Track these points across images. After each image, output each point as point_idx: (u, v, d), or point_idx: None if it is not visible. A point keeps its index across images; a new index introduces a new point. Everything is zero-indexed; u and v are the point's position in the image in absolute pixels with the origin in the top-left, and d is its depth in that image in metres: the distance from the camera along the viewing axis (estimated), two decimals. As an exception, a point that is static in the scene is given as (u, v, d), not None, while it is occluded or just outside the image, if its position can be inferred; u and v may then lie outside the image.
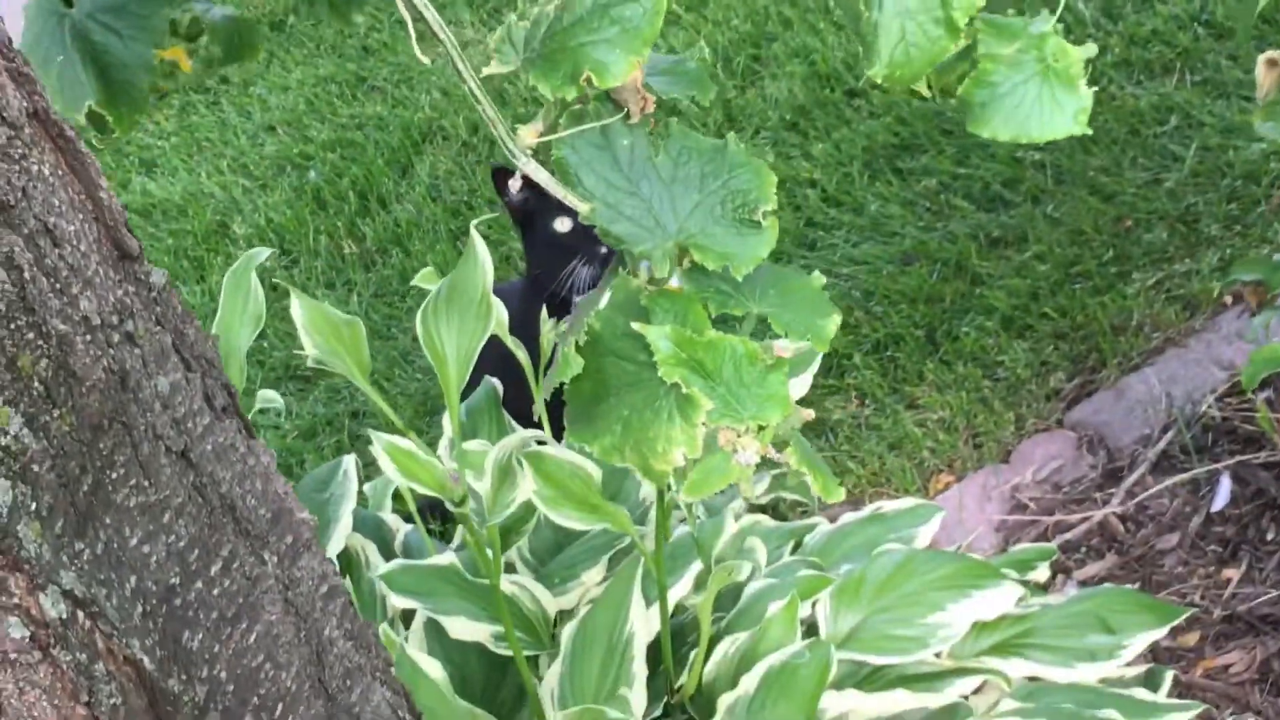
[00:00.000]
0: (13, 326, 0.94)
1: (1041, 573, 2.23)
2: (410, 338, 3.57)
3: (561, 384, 1.30)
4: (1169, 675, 2.03)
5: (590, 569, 2.09)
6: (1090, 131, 1.46)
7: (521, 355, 2.16)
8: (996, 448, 2.84)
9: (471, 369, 2.01)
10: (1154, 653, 2.32)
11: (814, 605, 1.98)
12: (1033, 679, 1.97)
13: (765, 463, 1.28)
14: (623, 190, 1.35)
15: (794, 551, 2.20)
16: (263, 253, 2.29)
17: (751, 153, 1.38)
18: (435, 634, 2.04)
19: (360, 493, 2.28)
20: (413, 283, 2.26)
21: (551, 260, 2.68)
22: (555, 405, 1.35)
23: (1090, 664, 1.97)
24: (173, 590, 1.08)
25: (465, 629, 1.98)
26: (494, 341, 2.04)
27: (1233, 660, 2.35)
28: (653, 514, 2.08)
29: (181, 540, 1.08)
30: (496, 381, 2.37)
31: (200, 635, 1.10)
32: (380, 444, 1.89)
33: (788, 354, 1.27)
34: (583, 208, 1.33)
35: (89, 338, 1.00)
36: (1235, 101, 3.31)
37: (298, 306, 2.11)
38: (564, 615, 2.08)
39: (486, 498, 1.87)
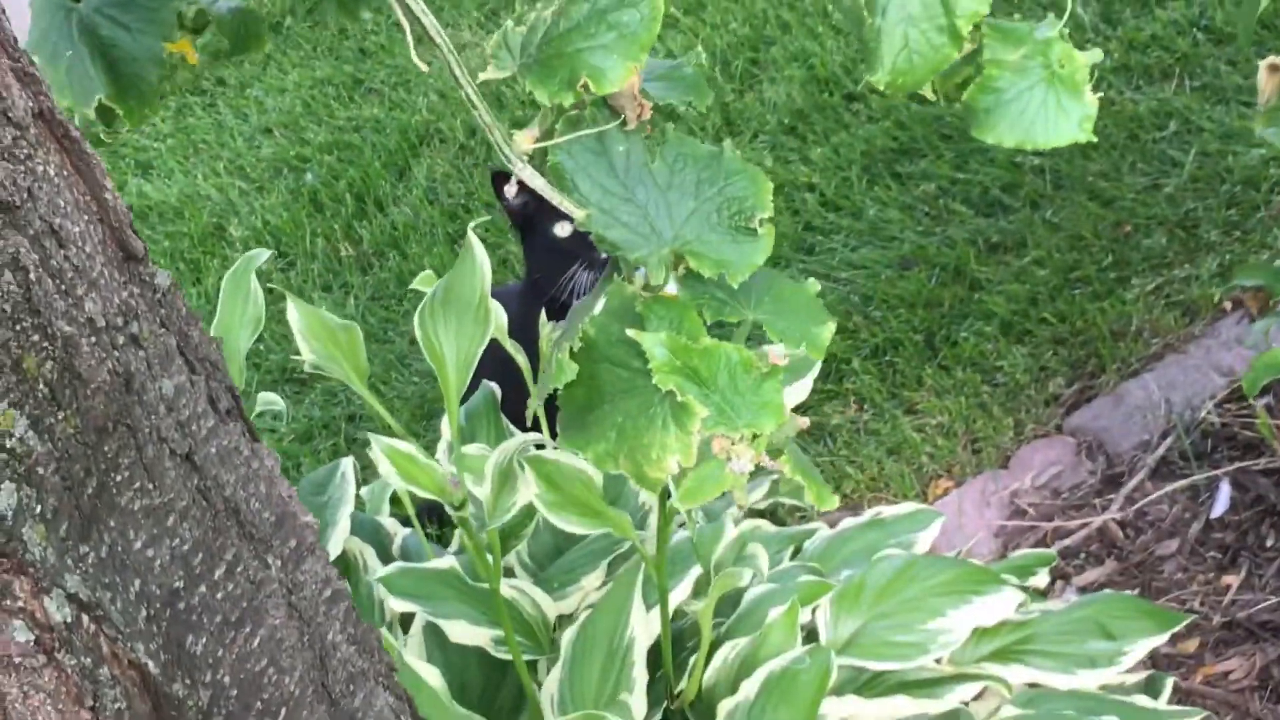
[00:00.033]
0: (18, 328, 0.93)
1: (1041, 579, 2.22)
2: (408, 341, 3.57)
3: (556, 389, 1.30)
4: (1169, 682, 2.02)
5: (590, 574, 2.09)
6: (1094, 138, 1.46)
7: (521, 359, 2.15)
8: (995, 453, 2.83)
9: (472, 373, 2.00)
10: (1154, 659, 2.32)
11: (814, 611, 1.97)
12: (1033, 685, 1.97)
13: (761, 469, 1.28)
14: (618, 196, 1.35)
15: (793, 556, 2.19)
16: (262, 254, 2.28)
17: (748, 158, 1.37)
18: (434, 638, 2.03)
19: (357, 496, 2.27)
20: (411, 286, 2.25)
21: (551, 265, 2.68)
22: (553, 409, 1.35)
23: (1091, 670, 1.96)
24: (177, 594, 1.07)
25: (465, 633, 1.98)
26: (492, 345, 2.03)
27: (1233, 667, 2.35)
28: (652, 519, 2.08)
29: (185, 544, 1.08)
30: (495, 386, 2.36)
31: (204, 639, 1.09)
32: (380, 447, 1.88)
33: (783, 362, 1.27)
34: (578, 214, 1.32)
35: (94, 340, 0.99)
36: (1234, 107, 3.31)
37: (294, 311, 2.10)
38: (563, 620, 2.07)
39: (487, 501, 1.87)
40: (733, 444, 1.24)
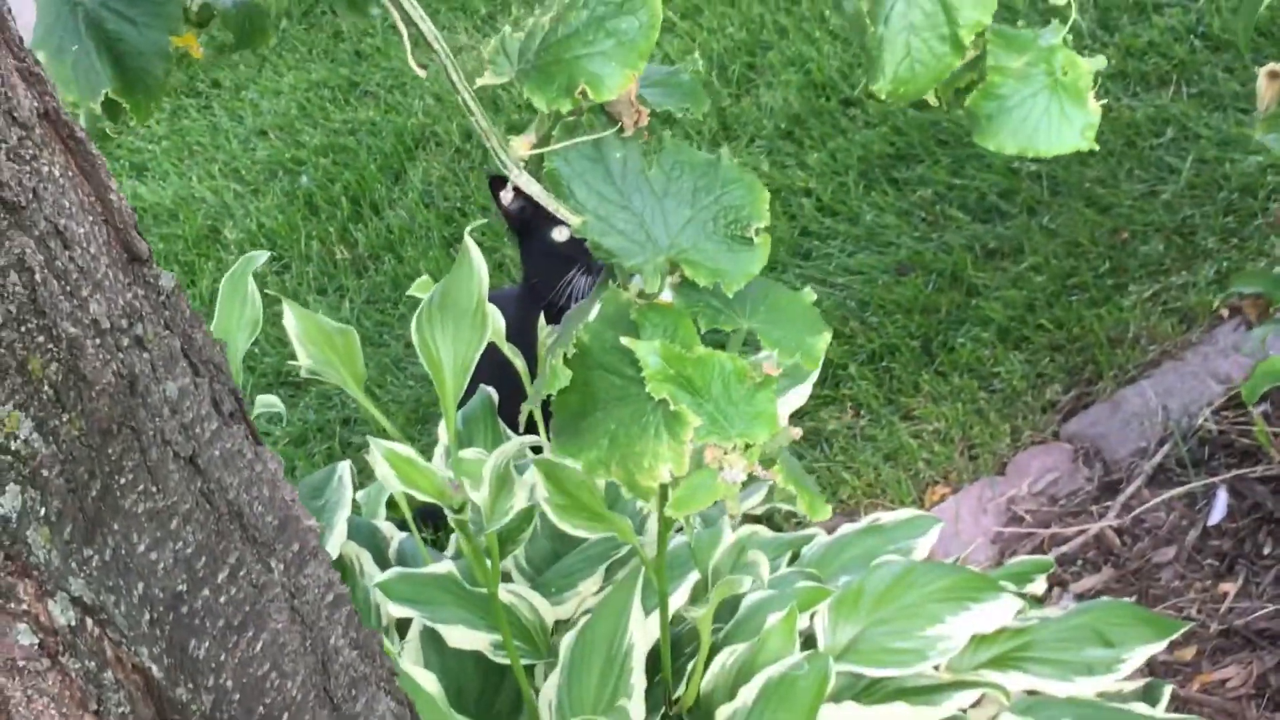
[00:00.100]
0: (23, 329, 0.92)
1: (1038, 585, 2.22)
2: (403, 344, 3.56)
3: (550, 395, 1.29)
4: (1167, 690, 2.02)
5: (587, 579, 2.08)
6: (1096, 147, 1.46)
7: (519, 363, 2.15)
8: (992, 460, 2.83)
9: (469, 378, 2.00)
10: (1150, 667, 2.31)
11: (812, 617, 1.97)
12: (1031, 692, 1.97)
13: (754, 477, 1.28)
14: (615, 203, 1.35)
15: (791, 562, 2.19)
16: (260, 256, 2.27)
17: (745, 163, 1.37)
18: (432, 643, 2.03)
19: (353, 500, 2.26)
20: (409, 292, 2.25)
21: (549, 269, 2.67)
22: (550, 412, 1.35)
23: (1089, 678, 1.96)
24: (180, 598, 1.06)
25: (463, 638, 1.97)
26: (490, 348, 2.03)
27: (1230, 675, 2.35)
28: (650, 524, 2.08)
29: (189, 547, 1.07)
30: (492, 390, 2.36)
31: (207, 643, 1.09)
32: (379, 450, 1.88)
33: (776, 372, 1.27)
34: (574, 220, 1.32)
35: (99, 341, 0.99)
36: (1232, 114, 3.31)
37: (291, 316, 2.10)
38: (560, 625, 2.07)
39: (485, 505, 1.86)
40: (725, 453, 1.24)
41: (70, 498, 0.97)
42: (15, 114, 0.96)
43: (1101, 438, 2.78)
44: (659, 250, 1.32)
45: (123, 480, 1.01)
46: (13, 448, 0.93)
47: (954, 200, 3.39)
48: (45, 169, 0.97)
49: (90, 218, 1.02)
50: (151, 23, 1.42)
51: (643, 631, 1.91)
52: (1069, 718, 1.91)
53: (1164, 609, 2.45)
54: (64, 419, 0.96)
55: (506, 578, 2.11)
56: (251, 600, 1.13)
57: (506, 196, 2.66)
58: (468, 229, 2.09)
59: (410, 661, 1.99)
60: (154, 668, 1.03)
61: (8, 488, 0.93)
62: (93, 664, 0.99)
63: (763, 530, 2.25)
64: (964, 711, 1.91)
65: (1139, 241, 3.12)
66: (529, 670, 2.02)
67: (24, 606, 0.95)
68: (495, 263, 3.60)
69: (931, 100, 1.52)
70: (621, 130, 1.36)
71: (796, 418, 2.80)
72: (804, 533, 2.27)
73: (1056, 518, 2.69)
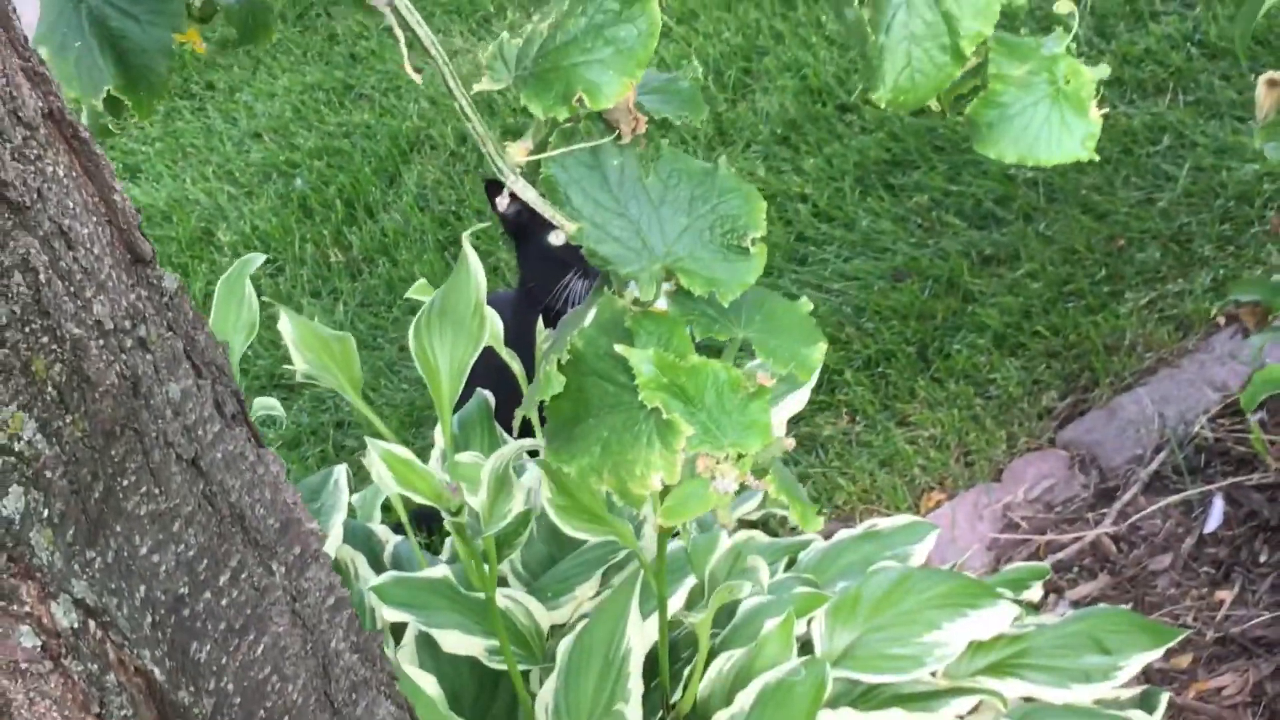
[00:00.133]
0: (27, 330, 0.92)
1: (1035, 592, 2.22)
2: (397, 348, 3.56)
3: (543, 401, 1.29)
4: (1164, 697, 2.02)
5: (584, 583, 2.08)
6: (1096, 157, 1.46)
7: (516, 366, 2.15)
8: (988, 466, 2.83)
9: (464, 382, 2.00)
10: (1147, 674, 2.31)
11: (809, 622, 1.96)
12: (1028, 699, 1.96)
13: (747, 486, 1.27)
14: (611, 211, 1.34)
15: (788, 568, 2.19)
16: (257, 259, 2.26)
17: (741, 168, 1.37)
18: (427, 648, 2.02)
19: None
20: (407, 295, 2.25)
21: (545, 273, 2.67)
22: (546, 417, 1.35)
23: (1085, 685, 1.96)
24: (182, 600, 1.06)
25: (459, 643, 1.97)
26: (486, 352, 2.03)
27: (1226, 683, 2.35)
28: (647, 528, 2.07)
29: (191, 549, 1.07)
30: (489, 394, 2.35)
31: (208, 646, 1.08)
32: (377, 451, 1.87)
33: (770, 382, 1.26)
34: (570, 227, 1.32)
35: (102, 342, 0.98)
36: (1229, 122, 3.31)
37: (287, 323, 2.09)
38: (556, 629, 2.06)
39: (483, 508, 1.86)
40: (717, 463, 1.24)
41: (73, 499, 0.96)
42: (20, 114, 0.95)
43: (1098, 445, 2.78)
44: (655, 258, 1.31)
45: (125, 482, 1.01)
46: (16, 449, 0.93)
47: (950, 206, 3.39)
48: (49, 169, 0.97)
49: (94, 218, 1.02)
50: (154, 19, 1.42)
51: (640, 636, 1.91)
52: (1066, 725, 1.91)
53: (1160, 616, 2.45)
54: (67, 420, 0.96)
55: (502, 582, 2.10)
56: (253, 603, 1.13)
57: (502, 202, 2.64)
58: (465, 233, 2.08)
59: (408, 665, 1.99)
60: (156, 670, 1.03)
61: (11, 489, 0.93)
62: (95, 666, 0.99)
63: (759, 536, 2.24)
64: (961, 718, 1.91)
65: (1136, 249, 3.12)
66: (525, 675, 2.01)
67: (27, 609, 0.95)
68: (490, 266, 3.60)
69: (934, 106, 1.52)
70: (619, 137, 1.35)
71: (793, 423, 2.80)
72: (800, 538, 2.27)
73: (1052, 524, 2.69)
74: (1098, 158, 1.45)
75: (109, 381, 0.98)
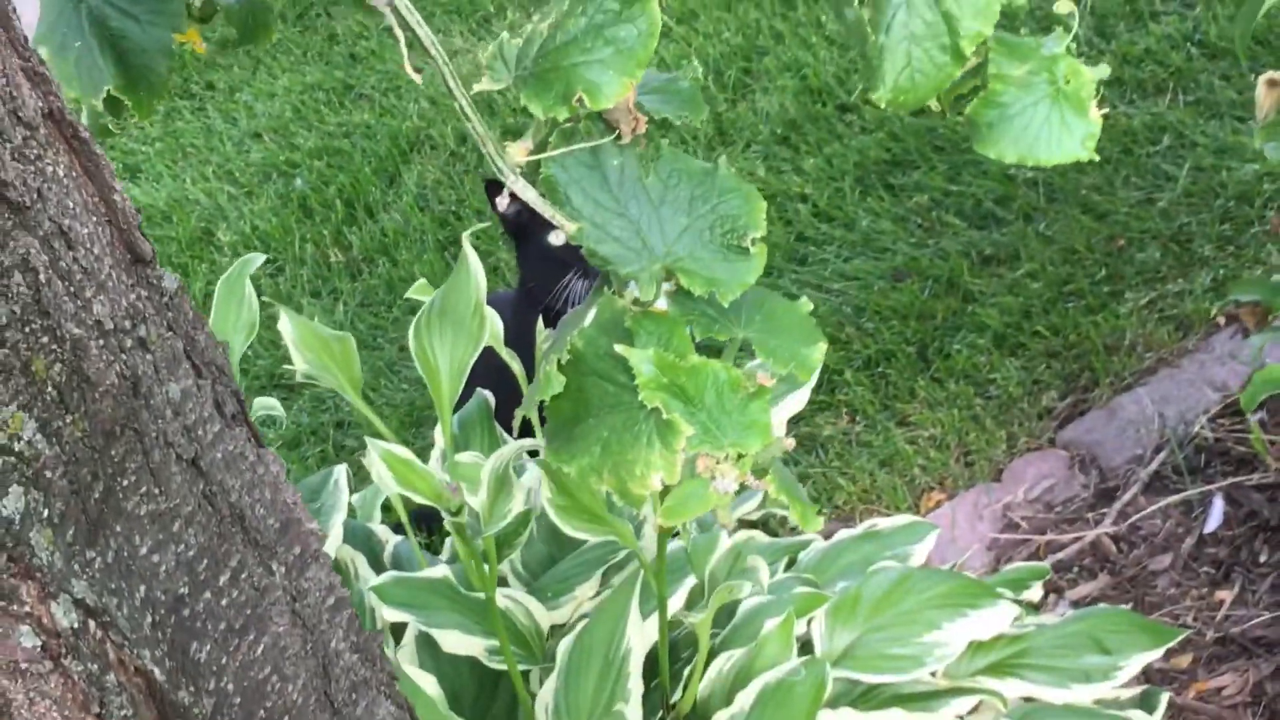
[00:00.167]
0: (27, 330, 0.92)
1: (1035, 592, 2.22)
2: (397, 348, 3.56)
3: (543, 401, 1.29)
4: (1164, 697, 2.02)
5: (584, 583, 2.07)
6: (1096, 157, 1.46)
7: (516, 367, 2.15)
8: (988, 466, 2.83)
9: (464, 382, 2.00)
10: (1147, 674, 2.31)
11: (809, 622, 1.96)
12: (1028, 699, 1.96)
13: (746, 486, 1.27)
14: (611, 211, 1.34)
15: (788, 568, 2.19)
16: (257, 259, 2.26)
17: (741, 168, 1.37)
18: (427, 648, 2.02)
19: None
20: (407, 295, 2.24)
21: (545, 273, 2.67)
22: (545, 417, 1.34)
23: (1085, 685, 1.96)
24: (182, 600, 1.06)
25: (459, 643, 1.97)
26: (486, 352, 2.03)
27: (1226, 683, 2.35)
28: (647, 528, 2.07)
29: (191, 550, 1.07)
30: (489, 394, 2.35)
31: (208, 646, 1.08)
32: (377, 451, 1.87)
33: (770, 382, 1.26)
34: (570, 227, 1.32)
35: (102, 342, 0.98)
36: (1228, 122, 3.31)
37: (287, 323, 2.09)
38: (556, 629, 2.06)
39: (483, 508, 1.86)
40: (717, 463, 1.24)
41: (73, 499, 0.96)
42: (20, 114, 0.95)
43: (1098, 445, 2.78)
44: (655, 258, 1.31)
45: (125, 482, 1.01)
46: (16, 449, 0.93)
47: (950, 206, 3.39)
48: (49, 169, 0.97)
49: (94, 218, 1.01)
50: (154, 19, 1.42)
51: (640, 636, 1.91)
52: (1066, 725, 1.91)
53: (1160, 616, 2.45)
54: (67, 420, 0.95)
55: (502, 582, 2.10)
56: (253, 603, 1.13)
57: (502, 202, 2.64)
58: (465, 233, 2.08)
59: (408, 665, 1.99)
60: (156, 670, 1.03)
61: (11, 489, 0.93)
62: (95, 666, 0.99)
63: (759, 536, 2.24)
64: (961, 718, 1.91)
65: (1136, 249, 3.12)
66: (525, 675, 2.01)
67: (27, 608, 0.95)
68: (489, 266, 3.59)
69: (934, 106, 1.52)
70: (619, 137, 1.35)
71: (792, 423, 2.80)
72: (800, 538, 2.27)
73: (1052, 524, 2.68)
74: (1098, 158, 1.45)
75: (109, 381, 0.98)
